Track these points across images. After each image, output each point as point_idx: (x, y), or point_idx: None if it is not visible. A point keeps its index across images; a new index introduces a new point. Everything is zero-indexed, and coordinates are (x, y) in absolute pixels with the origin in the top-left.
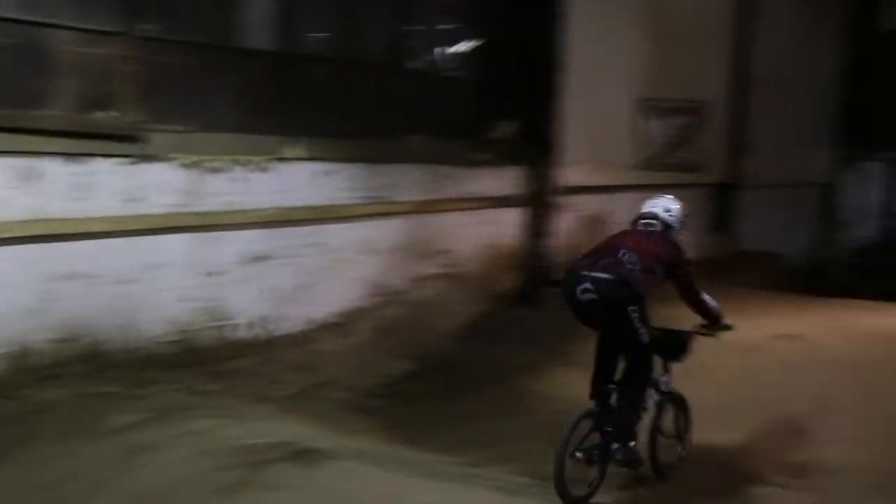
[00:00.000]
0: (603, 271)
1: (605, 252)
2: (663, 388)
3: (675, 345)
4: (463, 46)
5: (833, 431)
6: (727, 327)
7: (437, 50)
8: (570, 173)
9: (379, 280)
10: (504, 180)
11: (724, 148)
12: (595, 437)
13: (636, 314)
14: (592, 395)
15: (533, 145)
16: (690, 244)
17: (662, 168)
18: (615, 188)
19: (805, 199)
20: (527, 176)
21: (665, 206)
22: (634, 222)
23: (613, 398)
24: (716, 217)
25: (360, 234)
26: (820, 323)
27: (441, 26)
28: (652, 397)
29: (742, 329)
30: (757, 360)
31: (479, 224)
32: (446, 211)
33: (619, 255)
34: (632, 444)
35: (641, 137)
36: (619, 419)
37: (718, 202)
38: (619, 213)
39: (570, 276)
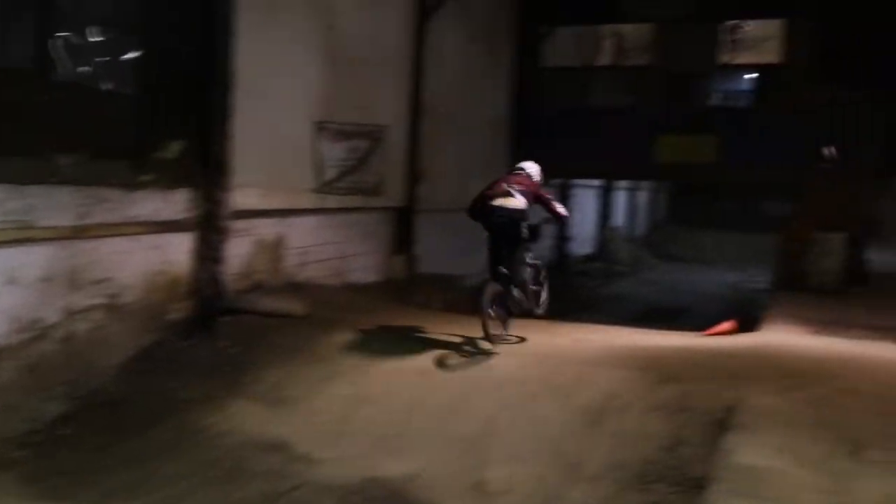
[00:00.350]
0: (507, 204)
1: (503, 192)
2: (529, 260)
3: (531, 232)
4: (126, 60)
5: (500, 452)
6: (562, 221)
7: (96, 61)
8: (245, 197)
9: (25, 314)
10: (173, 203)
11: (402, 173)
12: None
13: (525, 226)
14: (492, 276)
15: (203, 167)
16: (371, 267)
17: (341, 192)
18: (292, 212)
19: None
20: (197, 199)
21: (528, 165)
22: (509, 172)
23: (504, 271)
24: (395, 240)
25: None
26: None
27: (101, 37)
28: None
29: (414, 353)
30: (432, 383)
31: (144, 250)
32: (106, 236)
33: (512, 192)
34: (521, 289)
35: (319, 161)
36: (512, 274)
37: (397, 226)
38: (295, 236)
39: (485, 208)
